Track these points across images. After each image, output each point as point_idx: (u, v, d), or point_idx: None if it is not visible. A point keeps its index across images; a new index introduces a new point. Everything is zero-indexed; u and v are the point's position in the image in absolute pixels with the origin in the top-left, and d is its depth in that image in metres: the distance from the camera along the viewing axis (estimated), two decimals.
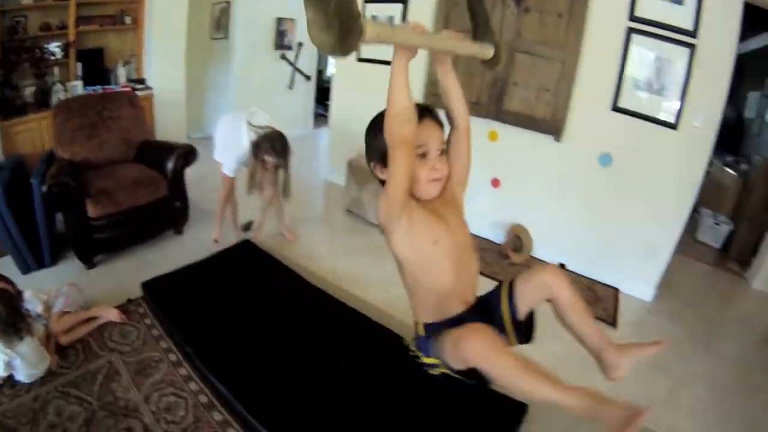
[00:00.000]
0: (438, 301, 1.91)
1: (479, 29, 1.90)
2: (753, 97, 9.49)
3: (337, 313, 3.68)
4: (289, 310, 3.64)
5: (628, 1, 4.36)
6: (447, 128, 1.92)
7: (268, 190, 4.70)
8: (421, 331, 1.98)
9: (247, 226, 4.86)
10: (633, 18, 4.42)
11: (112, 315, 3.52)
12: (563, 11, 4.53)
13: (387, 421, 2.84)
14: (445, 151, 1.88)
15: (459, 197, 1.99)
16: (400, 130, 1.59)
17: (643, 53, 4.47)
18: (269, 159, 4.26)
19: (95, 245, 4.30)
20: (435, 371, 1.97)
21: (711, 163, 8.87)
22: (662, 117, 4.48)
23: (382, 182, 1.77)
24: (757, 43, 8.80)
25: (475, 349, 1.60)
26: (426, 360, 1.96)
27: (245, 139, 4.31)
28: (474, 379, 1.80)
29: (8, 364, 2.91)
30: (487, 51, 1.89)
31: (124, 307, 3.67)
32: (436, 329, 1.89)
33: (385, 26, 1.49)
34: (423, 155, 1.79)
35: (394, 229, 1.77)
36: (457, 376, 1.91)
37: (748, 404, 3.80)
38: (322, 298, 3.86)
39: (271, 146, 4.24)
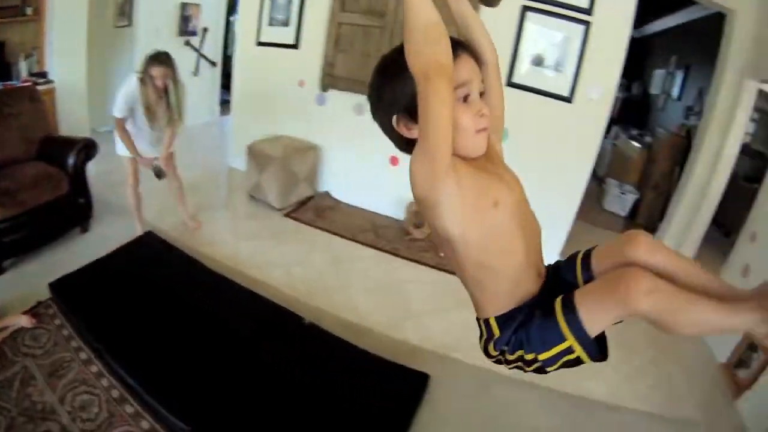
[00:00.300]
0: (514, 280, 1.52)
1: None
2: (658, 75, 10.13)
3: (241, 299, 3.79)
4: (193, 299, 3.74)
5: None
6: None
7: (163, 120, 4.66)
8: (497, 330, 1.53)
9: (159, 171, 4.80)
10: None
11: (23, 321, 3.52)
12: None
13: (294, 400, 2.98)
14: (482, 94, 1.46)
15: (499, 149, 1.69)
16: (433, 52, 1.20)
17: (538, 30, 4.67)
18: (155, 70, 4.33)
19: (2, 250, 4.25)
20: (552, 367, 1.48)
21: (617, 137, 9.39)
22: (557, 91, 4.71)
23: (409, 144, 1.39)
24: (661, 24, 9.29)
25: (644, 283, 1.31)
26: (542, 356, 1.46)
27: (133, 80, 4.40)
28: (600, 351, 1.47)
29: None
30: None
31: (34, 310, 3.67)
32: (517, 319, 1.50)
33: None
34: (465, 98, 1.37)
35: (439, 200, 1.34)
36: (571, 361, 1.46)
37: (658, 359, 4.09)
38: (224, 285, 3.96)
39: (154, 58, 4.35)
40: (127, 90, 4.40)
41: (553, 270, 1.64)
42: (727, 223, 6.94)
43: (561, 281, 1.58)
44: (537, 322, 1.43)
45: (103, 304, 3.61)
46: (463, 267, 1.49)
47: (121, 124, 4.49)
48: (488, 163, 1.49)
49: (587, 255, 1.58)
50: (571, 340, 1.39)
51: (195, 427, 2.73)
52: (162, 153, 4.74)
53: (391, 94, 1.39)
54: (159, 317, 3.51)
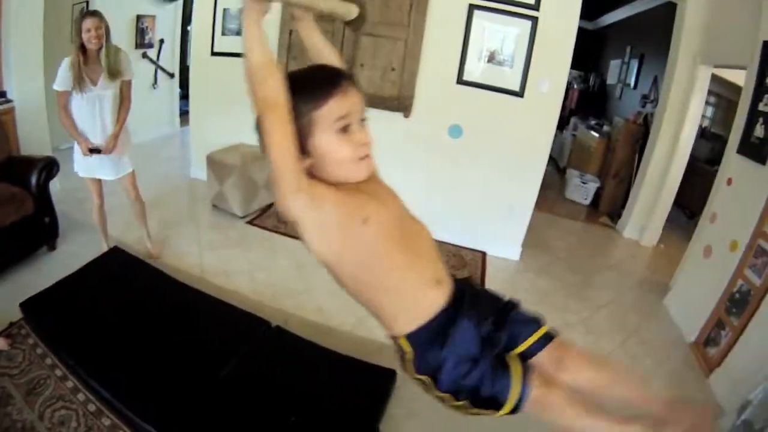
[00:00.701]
0: (410, 295, 1.56)
1: None
2: (614, 65, 10.41)
3: (208, 308, 3.85)
4: (162, 310, 3.79)
5: None
6: None
7: (104, 83, 4.45)
8: (409, 348, 1.56)
9: (96, 149, 4.60)
10: None
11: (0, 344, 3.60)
12: None
13: (268, 403, 3.08)
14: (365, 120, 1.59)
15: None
16: (262, 91, 1.37)
17: (486, 27, 4.81)
18: (87, 23, 4.21)
19: None
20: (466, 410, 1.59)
21: (576, 128, 9.67)
22: (507, 86, 4.86)
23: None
24: (615, 16, 9.59)
25: (566, 414, 1.54)
26: (474, 411, 1.58)
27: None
28: None
29: None
30: (352, 9, 1.83)
31: (7, 331, 3.74)
32: (438, 347, 1.53)
33: None
34: (344, 129, 1.49)
35: (303, 223, 1.43)
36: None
37: (627, 343, 4.26)
38: (191, 295, 4.01)
39: (83, 14, 4.34)
40: (66, 60, 4.32)
41: (504, 310, 1.76)
42: (690, 206, 7.21)
43: (509, 330, 1.68)
44: (491, 388, 1.51)
45: (75, 321, 3.66)
46: (354, 290, 1.57)
47: (62, 100, 4.39)
48: (363, 182, 1.57)
49: (549, 337, 1.70)
50: (506, 410, 1.53)
51: None
52: (113, 131, 4.54)
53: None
54: (130, 330, 3.56)
